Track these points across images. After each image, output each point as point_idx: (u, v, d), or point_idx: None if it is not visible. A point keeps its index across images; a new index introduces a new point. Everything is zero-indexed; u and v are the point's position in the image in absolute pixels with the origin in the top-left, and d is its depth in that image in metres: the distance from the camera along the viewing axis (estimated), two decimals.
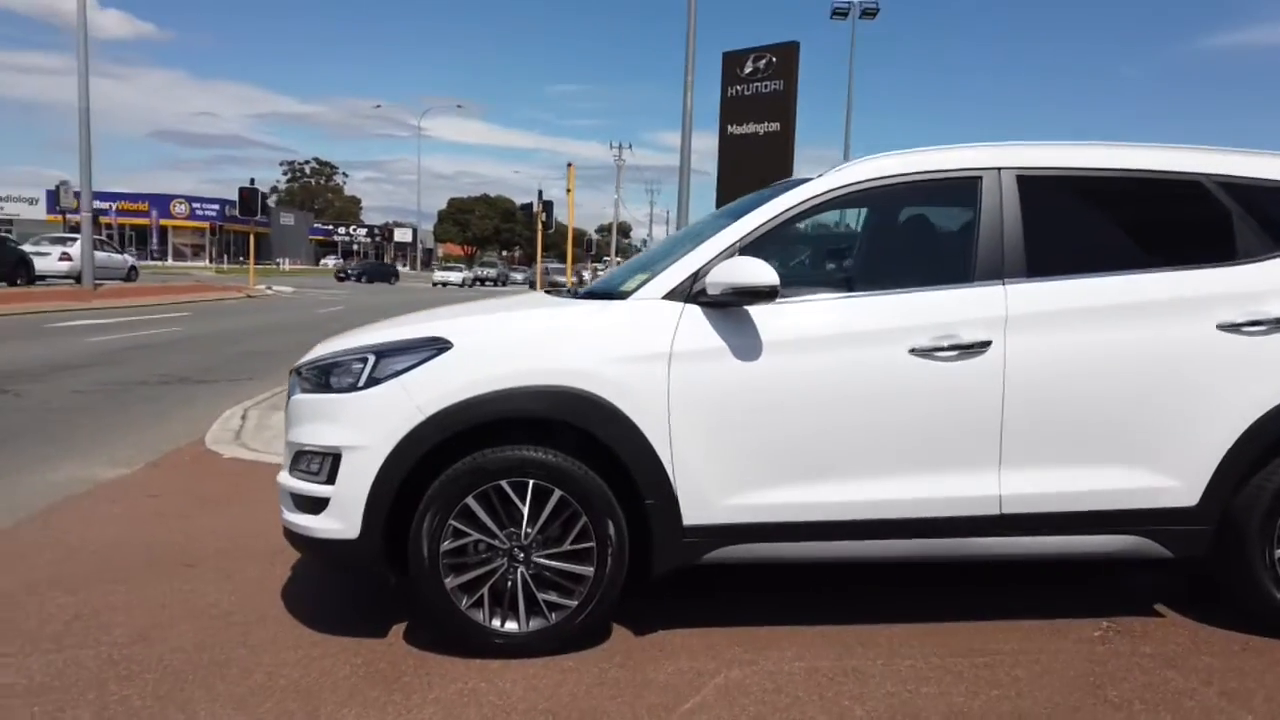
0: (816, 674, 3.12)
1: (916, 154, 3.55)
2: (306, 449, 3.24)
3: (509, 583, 3.18)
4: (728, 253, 3.32)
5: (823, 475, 3.26)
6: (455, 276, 53.53)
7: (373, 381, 3.18)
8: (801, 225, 3.57)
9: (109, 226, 49.31)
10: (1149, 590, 4.00)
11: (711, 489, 3.21)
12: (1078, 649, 3.36)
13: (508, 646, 3.19)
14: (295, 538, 3.31)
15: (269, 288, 32.97)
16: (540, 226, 25.44)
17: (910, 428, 3.28)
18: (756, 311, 3.25)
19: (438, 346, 3.19)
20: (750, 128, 12.76)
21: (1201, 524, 3.39)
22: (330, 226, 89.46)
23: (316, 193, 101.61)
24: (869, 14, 34.49)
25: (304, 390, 3.34)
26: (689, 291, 3.28)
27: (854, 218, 4.37)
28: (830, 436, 3.26)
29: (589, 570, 3.19)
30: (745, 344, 3.23)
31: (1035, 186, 3.48)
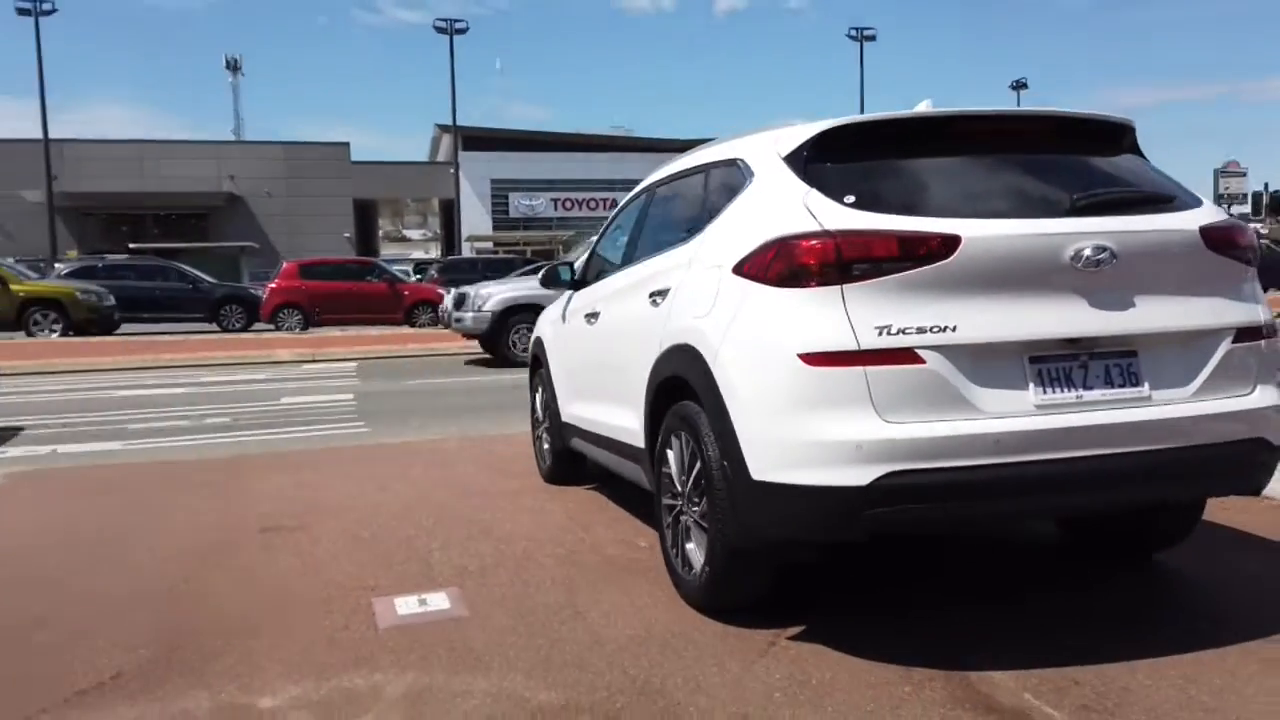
0: None
1: (672, 163, 4.53)
2: None
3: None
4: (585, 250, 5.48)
5: (584, 400, 4.87)
6: None
7: None
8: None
9: None
10: None
11: (565, 399, 5.21)
12: None
13: None
14: None
15: None
16: None
17: (602, 369, 4.62)
18: (578, 293, 5.08)
19: None
20: None
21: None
22: None
23: None
24: None
25: None
26: None
27: None
28: (581, 374, 4.96)
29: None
30: (568, 311, 5.19)
31: (652, 192, 4.54)
